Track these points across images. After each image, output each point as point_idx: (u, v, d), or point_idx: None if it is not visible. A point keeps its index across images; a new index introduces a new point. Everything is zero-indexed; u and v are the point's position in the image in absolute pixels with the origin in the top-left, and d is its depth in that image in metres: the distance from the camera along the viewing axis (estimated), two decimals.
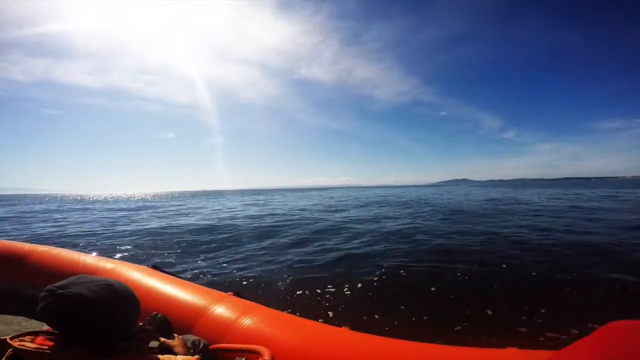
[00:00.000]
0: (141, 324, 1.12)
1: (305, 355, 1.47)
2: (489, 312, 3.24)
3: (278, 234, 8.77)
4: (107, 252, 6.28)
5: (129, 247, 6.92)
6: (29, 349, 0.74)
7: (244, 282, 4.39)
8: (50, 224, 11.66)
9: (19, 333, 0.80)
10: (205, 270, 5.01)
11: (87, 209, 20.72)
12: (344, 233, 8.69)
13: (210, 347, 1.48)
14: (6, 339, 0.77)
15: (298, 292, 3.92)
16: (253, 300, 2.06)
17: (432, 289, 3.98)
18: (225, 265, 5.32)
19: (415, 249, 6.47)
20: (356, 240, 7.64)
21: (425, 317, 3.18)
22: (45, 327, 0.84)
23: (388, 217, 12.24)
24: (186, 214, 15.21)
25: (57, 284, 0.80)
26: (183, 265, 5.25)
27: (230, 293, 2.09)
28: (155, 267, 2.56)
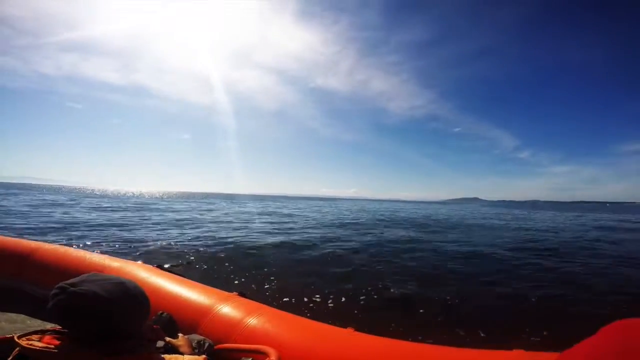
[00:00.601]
0: (148, 323, 1.12)
1: (311, 356, 1.45)
2: (496, 314, 3.21)
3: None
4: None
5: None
6: (37, 348, 0.74)
7: (249, 283, 4.39)
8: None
9: (26, 332, 0.80)
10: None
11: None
12: (352, 239, 8.67)
13: (216, 347, 1.47)
14: (13, 337, 0.77)
15: (303, 293, 3.91)
16: (258, 301, 2.05)
17: (438, 291, 3.96)
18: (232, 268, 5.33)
19: (423, 254, 6.44)
20: (360, 243, 7.64)
21: (431, 319, 3.16)
22: (50, 326, 0.83)
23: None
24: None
25: (69, 281, 0.79)
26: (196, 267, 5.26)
27: (235, 293, 2.08)
28: (160, 266, 2.56)
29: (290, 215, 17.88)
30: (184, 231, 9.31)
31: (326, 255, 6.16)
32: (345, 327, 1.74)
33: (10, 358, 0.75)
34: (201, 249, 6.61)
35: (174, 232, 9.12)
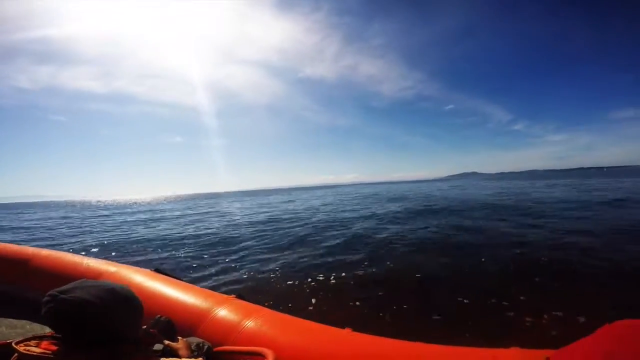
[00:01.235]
0: (145, 327, 1.13)
1: (309, 356, 1.46)
2: (494, 311, 3.23)
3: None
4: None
5: None
6: (35, 353, 0.75)
7: (246, 285, 4.39)
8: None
9: (24, 337, 0.80)
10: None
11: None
12: (347, 233, 8.67)
13: (214, 349, 1.48)
14: (11, 342, 0.78)
15: (300, 294, 3.92)
16: (255, 303, 2.06)
17: (435, 289, 3.97)
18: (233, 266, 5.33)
19: (420, 247, 6.44)
20: (360, 241, 7.63)
21: (429, 318, 3.17)
22: (49, 331, 0.84)
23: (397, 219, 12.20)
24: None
25: (60, 288, 0.80)
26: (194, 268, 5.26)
27: (233, 295, 2.09)
28: (158, 270, 2.57)
29: (287, 210, 17.83)
30: (178, 233, 9.29)
31: (326, 253, 6.16)
32: (342, 327, 1.75)
33: None
34: (198, 251, 6.61)
35: (167, 233, 9.11)
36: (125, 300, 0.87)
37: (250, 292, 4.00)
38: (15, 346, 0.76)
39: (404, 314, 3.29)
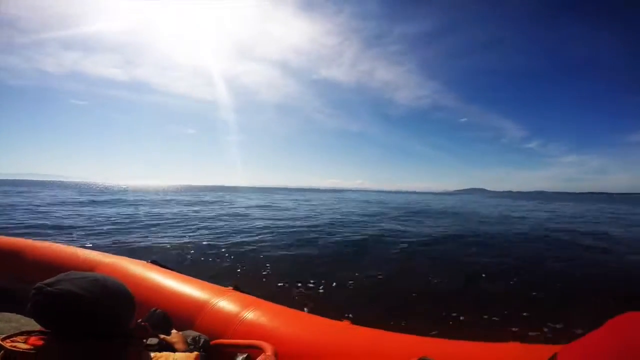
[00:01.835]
0: (140, 320, 1.09)
1: (307, 349, 1.45)
2: (493, 306, 3.24)
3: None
4: None
5: None
6: (21, 349, 0.72)
7: (244, 276, 4.38)
8: None
9: (11, 333, 0.77)
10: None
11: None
12: (347, 227, 8.69)
13: (211, 342, 1.45)
14: None
15: (297, 286, 3.92)
16: (253, 295, 2.04)
17: (435, 282, 3.99)
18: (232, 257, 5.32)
19: (420, 244, 6.47)
20: (358, 235, 7.65)
21: (428, 312, 3.18)
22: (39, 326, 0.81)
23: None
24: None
25: (46, 281, 0.76)
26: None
27: (230, 287, 2.07)
28: (155, 261, 2.53)
29: (287, 207, 17.89)
30: (180, 226, 9.27)
31: (324, 250, 6.17)
32: (341, 319, 1.74)
33: None
34: (197, 242, 6.59)
35: (168, 227, 9.08)
36: (114, 293, 0.83)
37: (248, 283, 3.99)
38: (1, 342, 0.73)
39: (403, 307, 3.29)
